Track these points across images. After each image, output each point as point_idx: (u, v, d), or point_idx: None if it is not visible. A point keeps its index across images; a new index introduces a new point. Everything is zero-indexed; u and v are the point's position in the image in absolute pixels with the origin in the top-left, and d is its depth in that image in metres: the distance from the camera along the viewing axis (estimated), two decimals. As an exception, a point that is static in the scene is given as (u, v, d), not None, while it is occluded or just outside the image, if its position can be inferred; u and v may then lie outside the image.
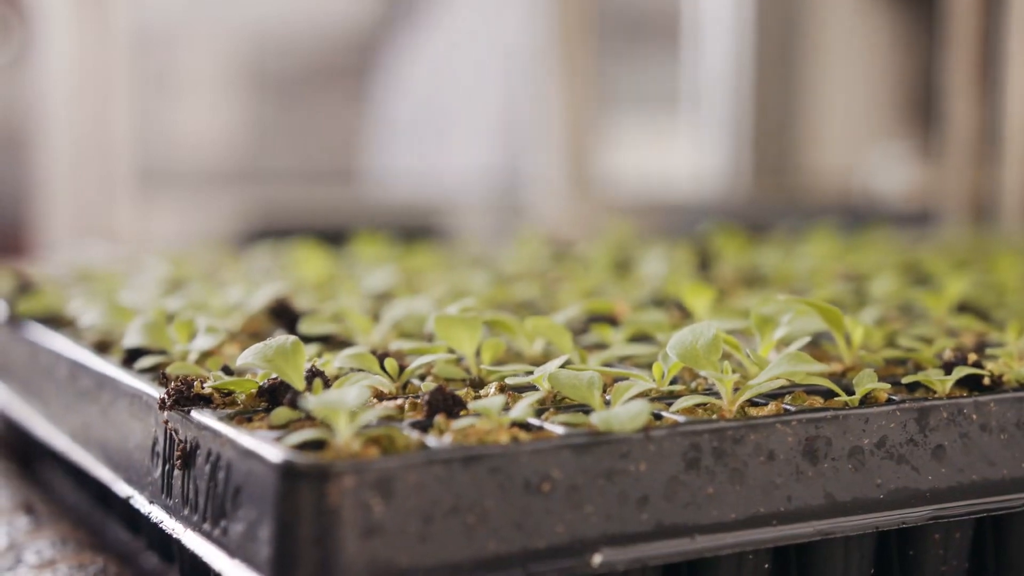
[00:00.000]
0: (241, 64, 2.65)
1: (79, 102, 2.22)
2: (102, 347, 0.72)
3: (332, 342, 0.71)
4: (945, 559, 0.56)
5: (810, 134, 2.98)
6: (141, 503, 0.58)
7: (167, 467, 0.55)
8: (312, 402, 0.47)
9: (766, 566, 0.53)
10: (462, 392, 0.56)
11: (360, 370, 0.58)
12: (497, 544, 0.46)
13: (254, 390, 0.54)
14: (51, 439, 0.73)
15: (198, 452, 0.52)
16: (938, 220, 1.76)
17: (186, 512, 0.53)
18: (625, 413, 0.48)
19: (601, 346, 0.70)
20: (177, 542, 0.53)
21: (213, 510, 0.50)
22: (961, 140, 1.67)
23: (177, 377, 0.57)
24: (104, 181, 2.25)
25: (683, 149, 3.06)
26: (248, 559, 0.47)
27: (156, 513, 0.56)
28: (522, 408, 0.49)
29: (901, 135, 2.95)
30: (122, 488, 0.60)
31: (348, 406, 0.46)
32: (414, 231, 1.79)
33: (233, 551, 0.48)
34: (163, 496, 0.55)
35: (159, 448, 0.56)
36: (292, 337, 0.53)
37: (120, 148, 2.27)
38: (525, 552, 0.47)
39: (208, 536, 0.50)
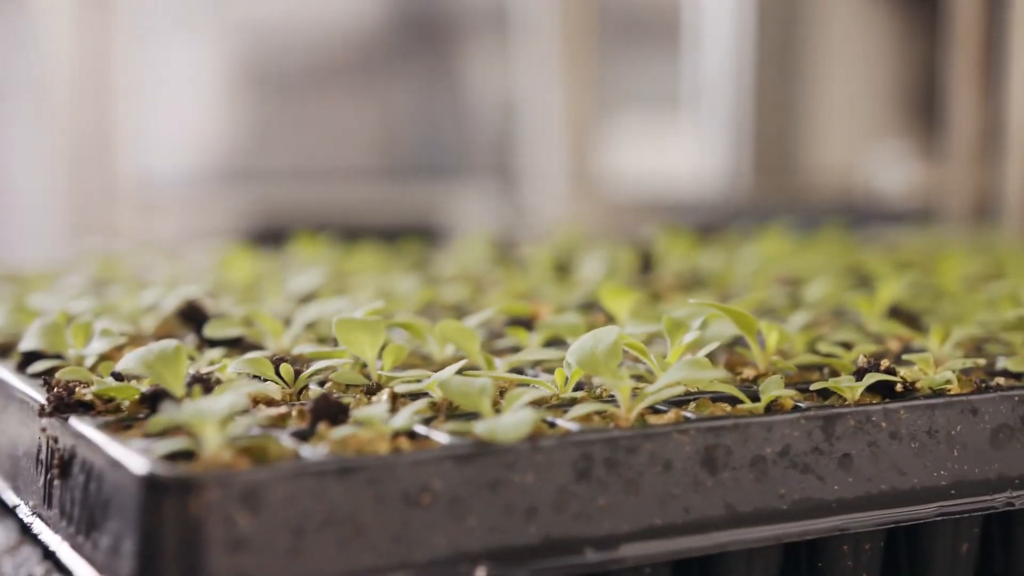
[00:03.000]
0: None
1: (79, 101, 2.20)
2: (4, 350, 0.70)
3: (242, 345, 0.69)
4: (855, 571, 0.55)
5: (811, 133, 2.96)
6: (24, 513, 0.56)
7: (48, 476, 0.53)
8: (178, 410, 0.45)
9: (665, 579, 0.51)
10: (355, 399, 0.54)
11: (255, 376, 0.57)
12: (373, 558, 0.45)
13: (137, 396, 0.52)
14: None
15: (75, 461, 0.50)
16: (941, 218, 1.75)
17: (63, 524, 0.51)
18: (510, 422, 0.46)
19: (517, 350, 0.68)
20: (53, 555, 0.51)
21: (87, 522, 0.48)
22: (963, 138, 1.66)
23: (59, 382, 0.55)
24: (105, 180, 2.23)
25: (684, 149, 3.04)
26: (113, 574, 0.45)
27: (37, 525, 0.54)
28: (405, 416, 0.47)
29: (903, 133, 2.94)
30: (10, 497, 0.58)
31: (214, 415, 0.44)
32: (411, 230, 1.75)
33: (101, 566, 0.46)
34: (44, 507, 0.53)
35: (42, 456, 0.54)
36: (174, 342, 0.51)
37: (121, 147, 2.25)
38: (404, 565, 0.45)
39: (80, 550, 0.48)
